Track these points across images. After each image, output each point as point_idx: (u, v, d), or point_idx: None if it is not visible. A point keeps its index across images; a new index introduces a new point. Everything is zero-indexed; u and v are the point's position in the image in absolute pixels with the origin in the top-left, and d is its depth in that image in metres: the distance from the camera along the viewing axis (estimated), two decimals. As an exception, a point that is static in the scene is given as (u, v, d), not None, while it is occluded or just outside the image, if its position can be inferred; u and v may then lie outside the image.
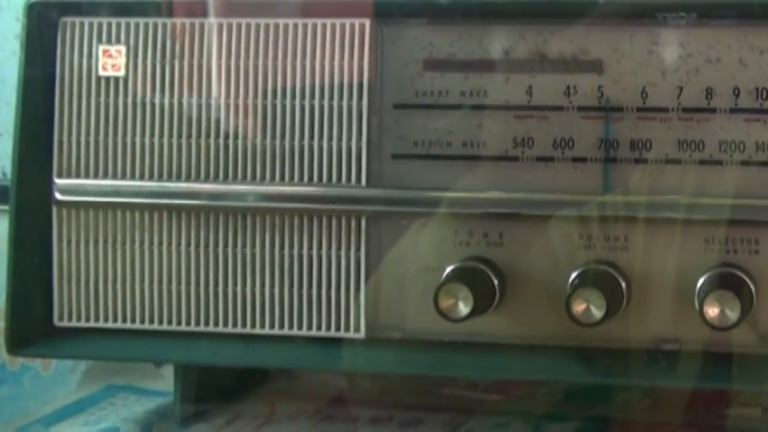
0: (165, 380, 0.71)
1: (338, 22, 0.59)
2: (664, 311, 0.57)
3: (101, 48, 0.61)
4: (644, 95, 0.57)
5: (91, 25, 0.61)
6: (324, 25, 0.59)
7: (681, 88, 0.56)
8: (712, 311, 0.53)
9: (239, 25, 0.59)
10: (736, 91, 0.56)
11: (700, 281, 0.55)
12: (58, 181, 0.61)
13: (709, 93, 0.56)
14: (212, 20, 0.60)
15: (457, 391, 0.72)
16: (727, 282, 0.54)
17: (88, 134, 0.61)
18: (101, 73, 0.60)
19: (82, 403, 0.71)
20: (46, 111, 0.61)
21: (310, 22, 0.59)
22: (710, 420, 0.66)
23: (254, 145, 0.60)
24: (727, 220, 0.56)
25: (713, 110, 0.56)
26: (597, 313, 0.54)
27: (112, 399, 0.72)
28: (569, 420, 0.67)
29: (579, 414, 0.68)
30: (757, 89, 0.56)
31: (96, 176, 0.61)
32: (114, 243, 0.61)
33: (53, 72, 0.61)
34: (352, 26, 0.59)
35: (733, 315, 0.53)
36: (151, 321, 0.61)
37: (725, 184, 0.56)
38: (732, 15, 0.56)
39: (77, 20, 0.61)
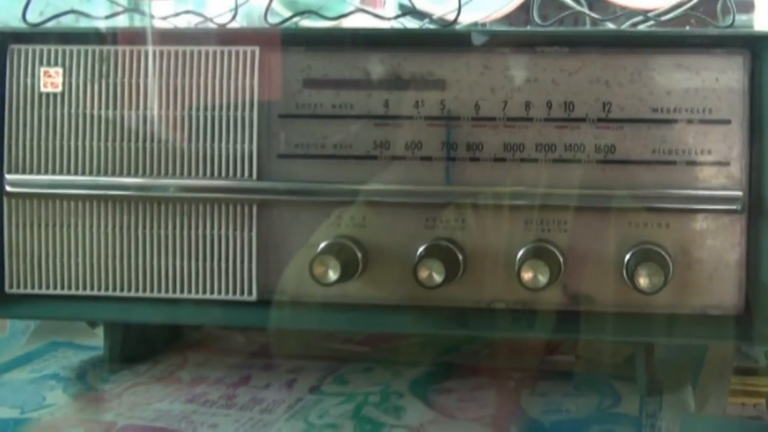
0: (98, 338, 0.73)
1: (234, 49, 0.63)
2: (493, 277, 0.61)
3: (42, 69, 0.64)
4: (477, 107, 0.61)
5: (34, 51, 0.64)
6: (222, 52, 0.63)
7: (506, 102, 0.61)
8: (527, 276, 0.58)
9: (154, 52, 0.62)
10: (549, 104, 0.61)
11: (520, 253, 0.59)
12: (8, 176, 0.64)
13: (527, 106, 0.61)
14: (133, 48, 0.63)
15: (334, 344, 0.75)
16: (539, 253, 0.59)
17: (32, 139, 0.64)
18: (42, 89, 0.64)
19: (30, 356, 0.73)
20: (-3, 120, 0.63)
21: (211, 49, 0.63)
22: (535, 365, 0.70)
23: (168, 147, 0.63)
24: (542, 205, 0.61)
25: (531, 119, 0.61)
26: (438, 278, 0.58)
27: (54, 353, 0.73)
28: (423, 366, 0.70)
29: (431, 361, 0.71)
30: (565, 102, 0.61)
31: (39, 172, 0.64)
32: (54, 226, 0.64)
33: (3, 89, 0.64)
34: (245, 53, 0.62)
35: (543, 279, 0.58)
36: (85, 288, 0.64)
37: (540, 177, 0.61)
38: (545, 44, 0.61)
39: (23, 47, 0.64)
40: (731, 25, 0.64)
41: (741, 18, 0.87)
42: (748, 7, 0.89)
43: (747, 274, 0.61)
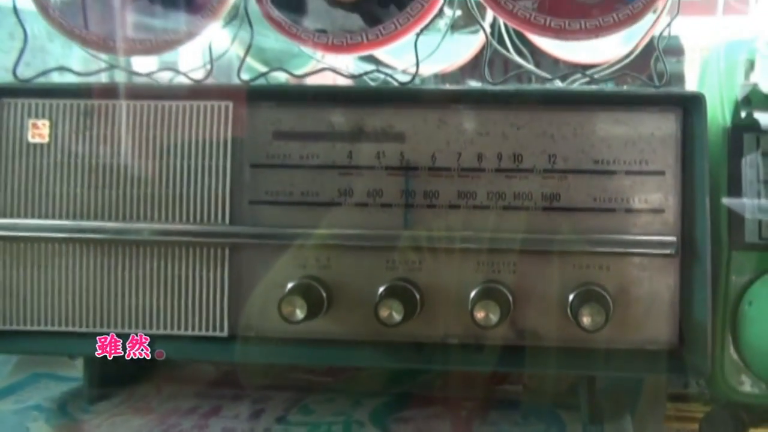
0: (78, 369, 0.73)
1: (209, 103, 0.64)
2: (448, 315, 0.63)
3: (30, 121, 0.65)
4: (434, 158, 0.63)
5: (23, 104, 0.66)
6: (199, 106, 0.64)
7: (460, 153, 0.63)
8: (479, 315, 0.59)
9: (135, 105, 0.64)
10: (500, 156, 0.63)
11: (472, 294, 0.61)
12: (-4, 219, 0.65)
13: (480, 157, 0.63)
14: (115, 102, 0.64)
15: (299, 375, 0.75)
16: (490, 293, 0.60)
17: (19, 185, 0.65)
18: (30, 140, 0.65)
19: (13, 387, 0.73)
20: (-13, 168, 0.63)
21: (188, 103, 0.65)
22: (487, 394, 0.71)
23: (146, 194, 0.64)
24: (493, 249, 0.62)
25: (483, 170, 0.63)
26: (397, 316, 0.60)
27: (36, 384, 0.74)
28: (381, 396, 0.71)
29: (389, 391, 0.72)
30: (514, 154, 0.63)
31: (26, 216, 0.65)
32: (39, 266, 0.65)
33: (-6, 139, 0.63)
34: (220, 107, 0.64)
35: (494, 317, 0.59)
36: (67, 324, 0.65)
37: (491, 223, 0.62)
38: (496, 101, 0.63)
39: (12, 101, 0.66)
40: (664, 84, 0.66)
41: (671, 60, 0.91)
42: (678, 52, 0.93)
43: (680, 312, 0.63)
